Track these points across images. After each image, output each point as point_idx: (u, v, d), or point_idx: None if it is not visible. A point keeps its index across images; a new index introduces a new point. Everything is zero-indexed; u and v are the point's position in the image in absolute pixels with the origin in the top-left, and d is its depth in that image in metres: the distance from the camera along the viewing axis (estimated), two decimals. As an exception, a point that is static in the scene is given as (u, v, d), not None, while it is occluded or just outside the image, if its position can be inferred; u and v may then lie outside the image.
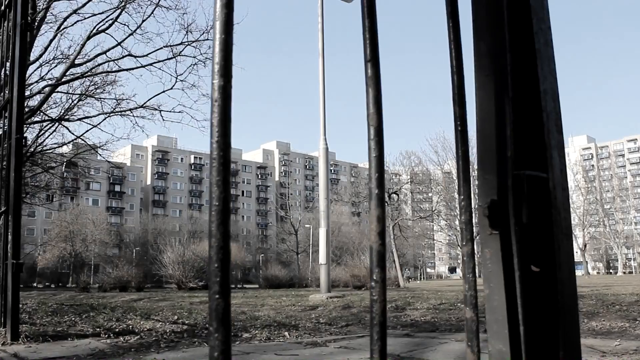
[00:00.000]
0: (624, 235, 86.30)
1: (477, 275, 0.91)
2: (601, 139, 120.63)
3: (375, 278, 0.58)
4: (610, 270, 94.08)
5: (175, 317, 5.15)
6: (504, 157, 0.82)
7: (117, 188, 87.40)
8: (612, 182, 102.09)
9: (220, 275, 0.48)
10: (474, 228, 0.85)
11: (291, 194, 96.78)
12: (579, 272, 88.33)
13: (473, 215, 0.78)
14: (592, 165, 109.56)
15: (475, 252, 0.99)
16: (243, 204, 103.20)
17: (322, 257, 11.50)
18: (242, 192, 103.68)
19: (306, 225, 59.24)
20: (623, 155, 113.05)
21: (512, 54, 0.93)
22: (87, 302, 8.10)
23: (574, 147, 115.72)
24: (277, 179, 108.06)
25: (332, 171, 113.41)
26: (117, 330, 4.37)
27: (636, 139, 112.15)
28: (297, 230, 59.14)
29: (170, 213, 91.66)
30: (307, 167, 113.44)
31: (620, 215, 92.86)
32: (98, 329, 4.34)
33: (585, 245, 67.06)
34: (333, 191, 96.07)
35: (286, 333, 4.43)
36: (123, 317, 5.10)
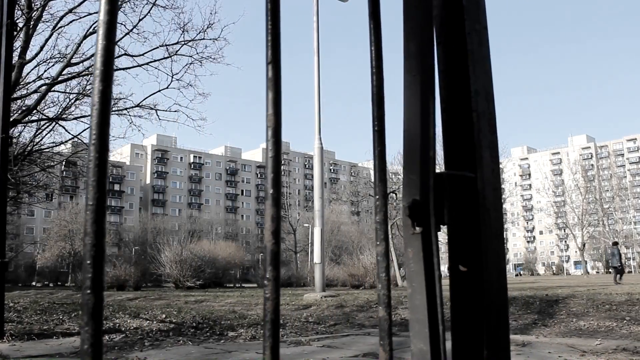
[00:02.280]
0: (623, 234, 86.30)
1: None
2: (601, 139, 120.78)
3: (268, 276, 0.58)
4: (610, 270, 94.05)
5: (164, 316, 5.16)
6: (427, 157, 0.82)
7: (117, 187, 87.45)
8: (612, 182, 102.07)
9: (92, 271, 0.48)
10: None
11: (290, 194, 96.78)
12: (578, 272, 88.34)
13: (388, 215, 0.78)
14: (592, 165, 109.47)
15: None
16: (242, 203, 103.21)
17: (316, 257, 11.51)
18: (242, 191, 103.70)
19: (305, 225, 59.25)
20: (622, 155, 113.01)
21: (444, 54, 0.94)
22: (78, 301, 8.09)
23: (574, 147, 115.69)
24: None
25: (332, 170, 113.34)
26: (103, 328, 4.37)
27: (635, 139, 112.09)
28: (295, 229, 59.14)
29: (170, 212, 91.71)
30: (307, 167, 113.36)
31: (619, 214, 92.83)
32: (84, 328, 4.34)
33: (584, 245, 66.93)
34: (332, 190, 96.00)
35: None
36: (111, 316, 5.11)
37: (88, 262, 0.49)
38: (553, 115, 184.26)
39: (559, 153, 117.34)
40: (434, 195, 0.81)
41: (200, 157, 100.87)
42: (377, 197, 0.76)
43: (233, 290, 24.83)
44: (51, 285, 49.01)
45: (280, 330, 4.47)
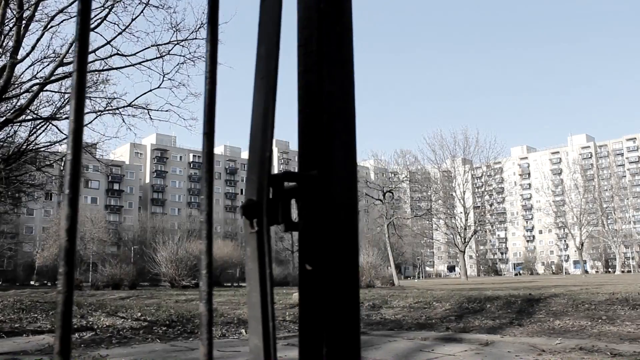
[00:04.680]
0: (622, 234, 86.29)
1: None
2: (600, 138, 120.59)
3: (60, 271, 0.62)
4: (609, 269, 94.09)
5: (139, 314, 5.19)
6: (264, 157, 0.85)
7: (116, 186, 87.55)
8: (611, 181, 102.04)
9: None
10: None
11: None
12: (577, 271, 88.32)
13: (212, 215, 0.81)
14: (591, 164, 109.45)
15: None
16: (242, 202, 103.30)
17: (305, 256, 11.53)
18: (242, 190, 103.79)
19: (303, 224, 59.22)
20: (622, 154, 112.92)
21: (304, 56, 0.96)
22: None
23: (573, 146, 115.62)
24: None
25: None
26: (75, 326, 4.40)
27: (635, 138, 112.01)
28: (292, 228, 59.11)
29: (169, 211, 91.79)
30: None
31: (618, 214, 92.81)
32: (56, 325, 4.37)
33: (582, 244, 66.94)
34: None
35: (243, 330, 4.47)
36: (88, 314, 5.15)
37: None
38: (553, 114, 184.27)
39: (558, 152, 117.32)
40: (269, 195, 0.84)
41: (199, 157, 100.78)
42: (203, 197, 0.78)
43: (229, 289, 24.85)
44: (49, 284, 49.08)
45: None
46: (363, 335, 4.54)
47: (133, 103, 14.88)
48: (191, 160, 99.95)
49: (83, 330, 4.34)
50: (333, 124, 0.92)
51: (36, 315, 5.20)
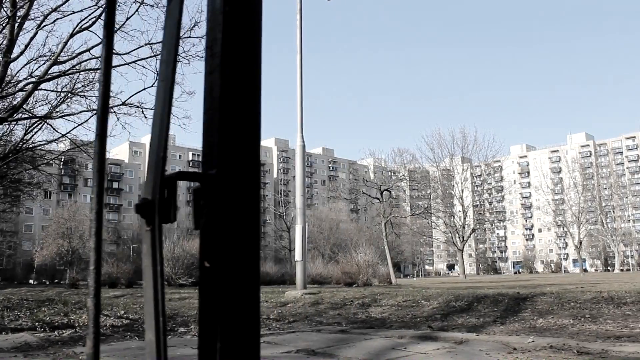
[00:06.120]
0: (621, 232, 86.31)
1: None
2: (599, 137, 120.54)
3: None
4: (609, 268, 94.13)
5: (122, 312, 5.22)
6: (158, 157, 0.87)
7: (115, 185, 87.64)
8: (610, 180, 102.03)
9: None
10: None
11: (289, 191, 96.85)
12: (576, 270, 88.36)
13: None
14: (591, 163, 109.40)
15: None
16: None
17: (297, 254, 11.56)
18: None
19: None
20: (621, 153, 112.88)
21: (211, 57, 0.98)
22: (50, 298, 8.15)
23: (572, 145, 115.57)
24: (275, 176, 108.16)
25: (331, 168, 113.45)
26: (55, 324, 4.43)
27: (634, 137, 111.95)
28: (289, 227, 59.20)
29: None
30: (306, 164, 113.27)
31: (617, 212, 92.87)
32: (36, 323, 4.41)
33: (580, 243, 66.97)
34: (331, 188, 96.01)
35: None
36: (71, 312, 5.17)
37: None
38: (552, 113, 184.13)
39: (557, 151, 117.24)
40: (163, 194, 0.85)
41: (198, 155, 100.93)
42: (93, 196, 0.80)
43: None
44: (47, 282, 49.13)
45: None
46: (342, 333, 4.55)
47: (127, 102, 14.89)
48: (190, 158, 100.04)
49: (63, 328, 4.36)
50: (234, 125, 0.94)
51: (19, 313, 5.23)
